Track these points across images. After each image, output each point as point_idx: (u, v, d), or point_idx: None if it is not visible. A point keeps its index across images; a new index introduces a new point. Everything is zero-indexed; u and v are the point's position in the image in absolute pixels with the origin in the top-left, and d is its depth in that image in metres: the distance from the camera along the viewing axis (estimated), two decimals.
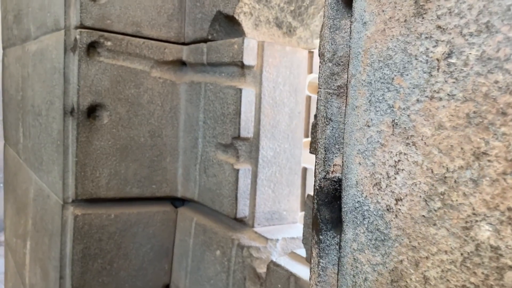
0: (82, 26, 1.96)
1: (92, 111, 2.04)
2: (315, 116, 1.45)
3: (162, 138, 2.23)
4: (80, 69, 1.97)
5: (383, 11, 0.51)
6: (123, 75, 2.08)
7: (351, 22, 0.58)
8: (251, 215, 1.93)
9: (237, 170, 1.86)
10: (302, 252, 1.69)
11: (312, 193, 1.48)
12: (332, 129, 0.62)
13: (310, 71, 2.04)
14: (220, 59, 1.94)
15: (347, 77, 0.58)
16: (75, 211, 2.06)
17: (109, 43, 2.01)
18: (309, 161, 2.25)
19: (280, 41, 1.94)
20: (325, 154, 0.63)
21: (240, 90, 1.83)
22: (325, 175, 0.64)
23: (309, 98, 2.07)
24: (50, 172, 2.31)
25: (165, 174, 2.26)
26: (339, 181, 0.64)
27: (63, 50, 2.04)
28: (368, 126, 0.53)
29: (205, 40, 2.07)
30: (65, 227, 2.12)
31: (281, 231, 1.95)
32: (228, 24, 1.92)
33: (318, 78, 0.65)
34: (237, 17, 1.83)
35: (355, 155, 0.55)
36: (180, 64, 2.25)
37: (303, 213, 2.17)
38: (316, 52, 2.03)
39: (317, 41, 2.01)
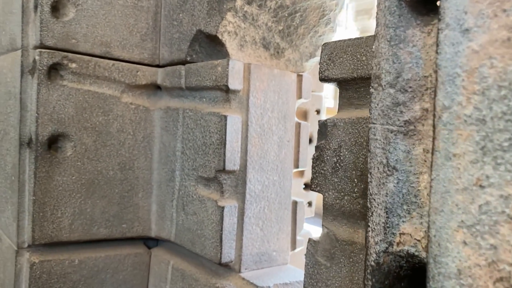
0: (42, 46, 1.72)
1: (54, 142, 1.78)
2: (317, 147, 1.27)
3: (134, 171, 1.98)
4: (40, 94, 1.72)
5: (504, 10, 0.33)
6: (90, 101, 1.84)
7: (438, 29, 0.40)
8: (237, 258, 1.70)
9: (222, 208, 1.64)
10: None
11: (312, 237, 1.28)
12: (397, 182, 0.43)
13: (299, 96, 1.87)
14: (201, 82, 1.74)
15: (434, 110, 0.40)
16: (31, 257, 1.77)
17: (74, 65, 1.78)
18: (298, 193, 2.06)
19: (267, 63, 1.76)
20: (387, 217, 0.44)
21: (225, 117, 1.62)
22: (387, 248, 0.45)
23: (298, 125, 1.89)
24: (2, 212, 2.01)
25: (137, 212, 2.01)
26: (408, 257, 0.44)
27: (20, 72, 1.78)
28: (480, 186, 0.35)
29: (183, 62, 1.87)
30: (19, 276, 1.82)
31: (272, 275, 1.72)
32: (210, 45, 1.73)
33: (370, 109, 0.47)
34: (220, 37, 1.64)
35: (455, 228, 0.36)
36: (154, 88, 2.03)
37: (293, 252, 1.96)
38: (305, 75, 1.87)
39: (306, 64, 1.84)
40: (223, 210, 1.63)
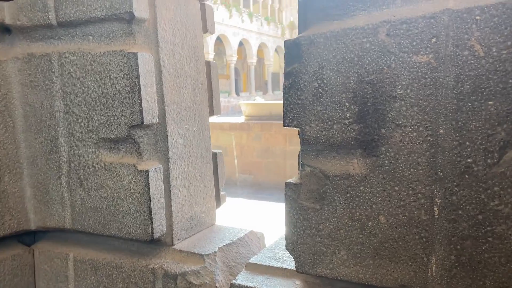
0: None
1: None
2: (288, 74, 1.05)
3: None
4: None
5: None
6: None
7: None
8: (168, 229, 1.41)
9: (146, 172, 1.30)
10: (263, 260, 1.28)
11: (291, 180, 1.09)
12: None
13: (205, 29, 1.58)
14: (86, 14, 1.30)
15: None
16: None
17: None
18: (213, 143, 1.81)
19: None
20: None
21: (134, 55, 1.25)
22: None
23: (208, 65, 1.61)
24: None
25: (6, 201, 1.48)
26: None
27: None
28: None
29: None
30: None
31: (209, 240, 1.49)
32: None
33: None
34: None
35: None
36: (2, 31, 1.47)
37: (220, 210, 1.73)
38: (207, 4, 1.58)
39: None
40: (147, 175, 1.30)
